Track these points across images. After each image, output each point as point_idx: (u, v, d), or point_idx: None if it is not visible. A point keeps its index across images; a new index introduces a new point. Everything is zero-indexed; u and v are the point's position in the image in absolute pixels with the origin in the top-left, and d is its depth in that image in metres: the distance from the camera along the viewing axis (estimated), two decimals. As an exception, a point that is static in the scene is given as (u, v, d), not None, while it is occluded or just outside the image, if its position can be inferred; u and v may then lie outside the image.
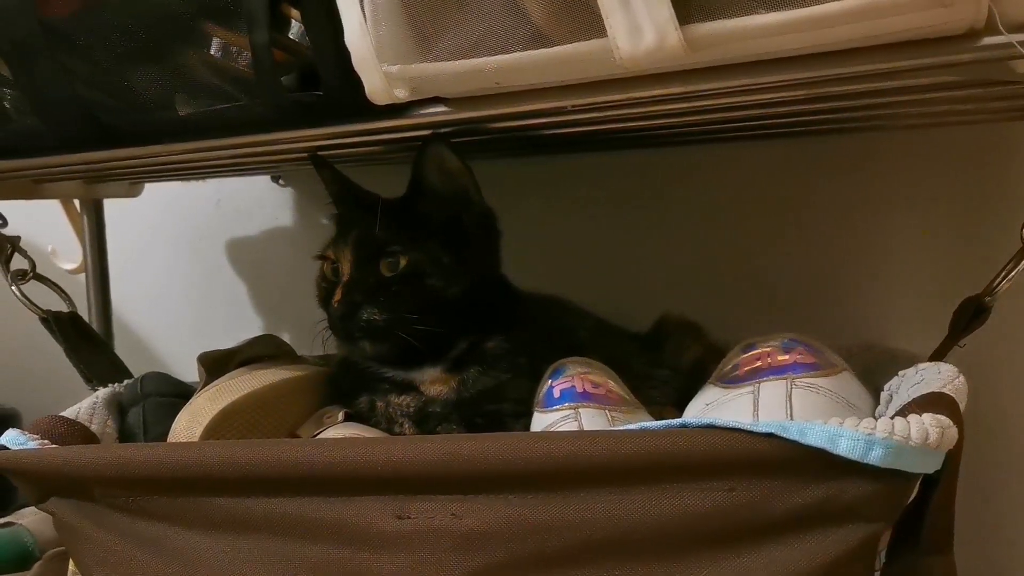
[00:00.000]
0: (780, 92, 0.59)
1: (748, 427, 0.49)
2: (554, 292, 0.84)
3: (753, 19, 0.48)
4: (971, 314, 0.66)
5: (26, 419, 1.12)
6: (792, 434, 0.48)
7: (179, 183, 1.11)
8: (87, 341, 0.86)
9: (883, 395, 0.62)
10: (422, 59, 0.55)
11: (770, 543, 0.50)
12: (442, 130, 0.67)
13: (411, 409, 0.70)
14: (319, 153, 0.76)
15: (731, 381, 0.64)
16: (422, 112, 0.59)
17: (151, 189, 1.11)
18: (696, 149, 0.95)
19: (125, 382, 0.79)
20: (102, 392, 0.75)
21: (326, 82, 0.58)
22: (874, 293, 0.96)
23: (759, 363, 0.63)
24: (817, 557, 0.49)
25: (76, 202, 1.04)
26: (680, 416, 0.69)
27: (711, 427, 0.50)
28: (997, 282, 0.65)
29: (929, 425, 0.47)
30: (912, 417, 0.48)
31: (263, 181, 1.14)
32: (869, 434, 0.47)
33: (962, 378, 0.56)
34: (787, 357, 0.62)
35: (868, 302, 0.96)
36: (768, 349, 0.63)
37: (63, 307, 0.87)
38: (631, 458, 0.51)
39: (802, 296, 0.98)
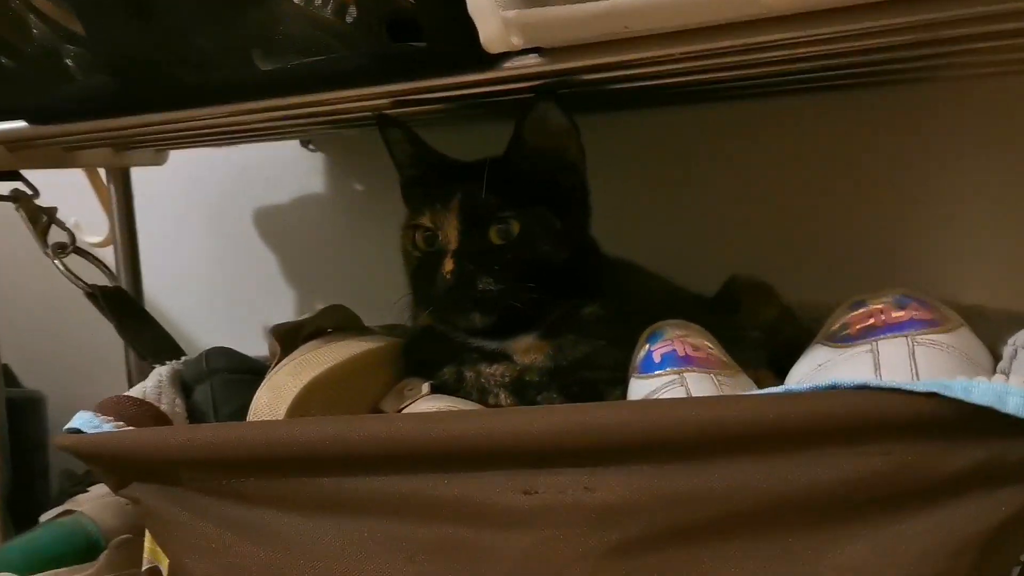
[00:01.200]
0: (892, 36, 0.56)
1: (907, 387, 0.47)
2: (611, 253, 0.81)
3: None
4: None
5: (52, 403, 1.07)
6: (956, 392, 0.46)
7: (208, 149, 1.06)
8: (135, 317, 0.81)
9: (1007, 350, 0.59)
10: (537, 3, 0.51)
11: (931, 507, 0.47)
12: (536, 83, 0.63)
13: (506, 379, 0.67)
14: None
15: (843, 340, 0.61)
16: (527, 62, 0.55)
17: (173, 157, 1.06)
18: (760, 103, 0.92)
19: (183, 358, 0.75)
20: (163, 369, 0.71)
21: (428, 32, 0.54)
22: (943, 247, 0.94)
23: (872, 320, 0.60)
24: (981, 521, 0.47)
25: (102, 172, 0.99)
26: (779, 380, 0.67)
27: (864, 388, 0.48)
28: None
29: (1094, 380, 0.45)
30: (1077, 372, 0.46)
31: (292, 146, 1.09)
32: (1038, 390, 0.45)
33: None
34: (903, 313, 0.59)
35: (937, 257, 0.94)
36: (880, 306, 0.61)
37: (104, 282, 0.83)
38: (781, 422, 0.48)
39: (870, 252, 0.95)
